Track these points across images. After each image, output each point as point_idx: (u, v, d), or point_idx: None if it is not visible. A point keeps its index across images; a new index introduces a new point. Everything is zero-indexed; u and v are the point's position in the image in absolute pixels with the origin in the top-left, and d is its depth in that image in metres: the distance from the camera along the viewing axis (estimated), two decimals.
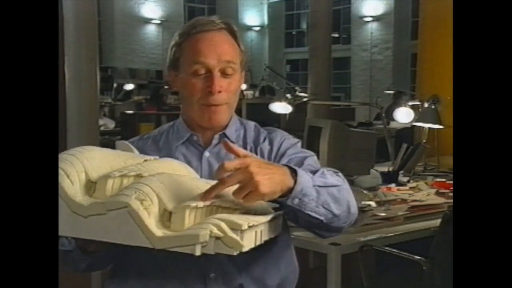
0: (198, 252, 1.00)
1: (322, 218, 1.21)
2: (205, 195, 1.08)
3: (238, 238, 1.02)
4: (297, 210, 1.19)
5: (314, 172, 1.25)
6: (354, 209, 1.29)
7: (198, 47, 1.33)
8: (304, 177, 1.18)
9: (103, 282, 2.46)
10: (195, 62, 1.33)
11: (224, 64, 1.33)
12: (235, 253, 1.02)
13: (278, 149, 1.42)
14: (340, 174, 1.31)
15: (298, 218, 1.25)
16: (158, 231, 1.02)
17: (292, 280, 1.43)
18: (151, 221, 1.02)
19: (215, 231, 1.01)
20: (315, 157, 1.42)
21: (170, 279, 1.30)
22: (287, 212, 1.27)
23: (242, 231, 1.03)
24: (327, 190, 1.22)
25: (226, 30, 1.37)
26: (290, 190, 1.15)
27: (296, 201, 1.17)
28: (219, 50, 1.33)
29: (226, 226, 1.02)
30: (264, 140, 1.44)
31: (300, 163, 1.35)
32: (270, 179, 1.09)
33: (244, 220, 1.04)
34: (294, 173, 1.17)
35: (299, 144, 1.45)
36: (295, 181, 1.15)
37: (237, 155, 1.13)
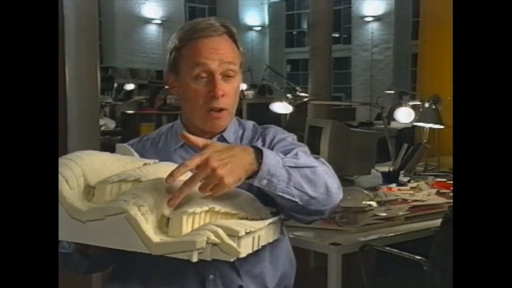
0: (195, 259, 1.00)
1: (296, 199, 1.19)
2: (171, 201, 1.07)
3: (235, 244, 1.02)
4: (268, 192, 1.17)
5: (286, 153, 1.23)
6: (335, 190, 1.24)
7: (199, 50, 1.33)
8: (270, 158, 1.16)
9: (104, 283, 2.47)
10: (197, 64, 1.32)
11: (225, 67, 1.33)
12: (231, 259, 1.03)
13: (270, 144, 1.41)
14: (321, 159, 1.28)
15: (278, 204, 1.23)
16: (156, 237, 1.02)
17: (290, 275, 1.44)
18: (149, 227, 1.02)
19: (212, 237, 1.01)
20: (306, 148, 1.37)
21: (169, 281, 1.31)
22: (265, 197, 1.24)
23: (240, 238, 1.03)
24: (299, 171, 1.19)
25: (226, 34, 1.36)
26: (257, 172, 1.13)
27: (264, 182, 1.15)
28: (221, 54, 1.33)
29: (223, 233, 1.02)
30: (258, 138, 1.44)
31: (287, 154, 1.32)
32: (232, 168, 1.08)
33: (241, 227, 1.05)
34: (260, 154, 1.15)
35: (291, 138, 1.43)
36: (261, 163, 1.14)
37: (197, 146, 1.13)
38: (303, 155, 1.24)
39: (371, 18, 17.73)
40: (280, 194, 1.17)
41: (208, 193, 1.09)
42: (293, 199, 1.19)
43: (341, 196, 1.28)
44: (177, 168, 1.07)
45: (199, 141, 1.14)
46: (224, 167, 1.07)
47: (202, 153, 1.09)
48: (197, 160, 1.07)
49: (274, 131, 1.44)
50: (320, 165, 1.24)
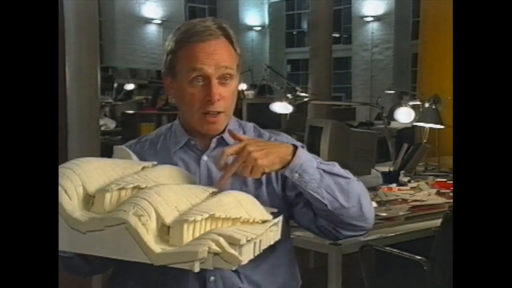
0: (196, 269, 1.00)
1: (325, 202, 1.25)
2: (219, 183, 1.21)
3: (236, 253, 1.02)
4: (300, 188, 1.25)
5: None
6: (368, 209, 1.32)
7: (195, 55, 1.32)
8: (305, 154, 1.26)
9: (104, 284, 2.46)
10: (193, 69, 1.31)
11: (222, 72, 1.32)
12: (233, 268, 1.03)
13: None
14: (360, 182, 1.33)
15: (315, 214, 1.31)
16: (157, 248, 1.01)
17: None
18: (150, 237, 1.02)
19: (214, 247, 1.01)
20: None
21: (170, 282, 1.30)
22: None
23: (241, 246, 1.03)
24: (332, 178, 1.27)
25: (223, 36, 1.35)
26: (290, 163, 1.23)
27: (296, 175, 1.24)
28: (217, 58, 1.32)
29: (225, 242, 1.02)
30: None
31: None
32: (267, 153, 1.21)
33: (242, 234, 1.04)
34: (296, 150, 1.24)
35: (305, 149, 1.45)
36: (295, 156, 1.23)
37: (240, 141, 1.24)
38: (339, 166, 1.31)
39: (371, 18, 17.71)
40: (310, 192, 1.25)
41: (249, 176, 1.21)
42: (323, 200, 1.26)
43: (373, 218, 1.35)
44: (218, 157, 1.22)
45: (242, 137, 1.28)
46: (259, 151, 1.20)
47: (242, 142, 1.23)
48: (236, 147, 1.21)
49: (287, 140, 1.44)
50: (356, 181, 1.31)
